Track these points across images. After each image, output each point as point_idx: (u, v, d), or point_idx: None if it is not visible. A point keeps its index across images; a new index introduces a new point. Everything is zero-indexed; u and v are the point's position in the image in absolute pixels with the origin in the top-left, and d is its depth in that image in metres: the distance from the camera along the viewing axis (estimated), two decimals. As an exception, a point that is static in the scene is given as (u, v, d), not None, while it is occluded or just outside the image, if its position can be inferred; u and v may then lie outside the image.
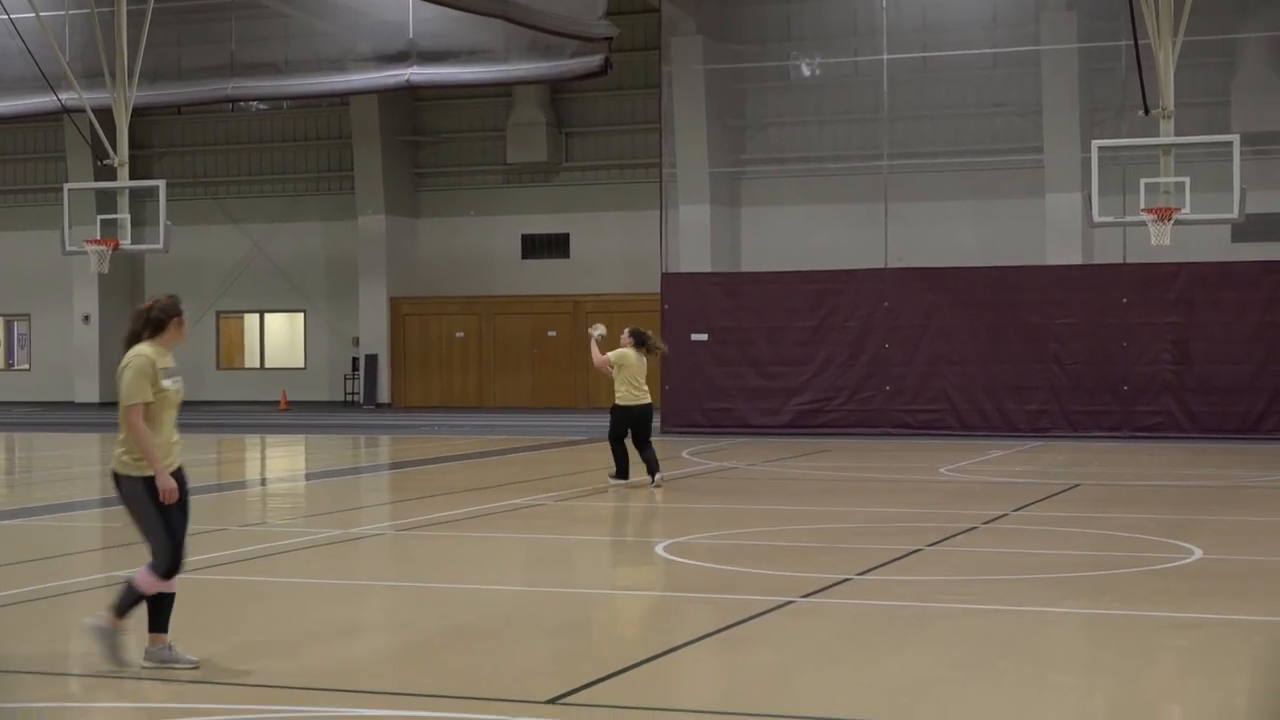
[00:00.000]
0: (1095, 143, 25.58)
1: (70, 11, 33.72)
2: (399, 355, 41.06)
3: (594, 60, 34.21)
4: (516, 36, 34.50)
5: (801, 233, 36.06)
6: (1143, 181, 24.87)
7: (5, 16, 31.14)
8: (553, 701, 8.32)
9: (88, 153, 36.89)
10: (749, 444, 27.37)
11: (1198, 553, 13.65)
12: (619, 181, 39.74)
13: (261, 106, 42.50)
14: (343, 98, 40.32)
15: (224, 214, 43.02)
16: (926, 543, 14.41)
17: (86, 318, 43.23)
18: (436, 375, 40.88)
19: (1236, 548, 14.34)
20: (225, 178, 43.71)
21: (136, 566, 9.27)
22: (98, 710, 8.49)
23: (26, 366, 45.89)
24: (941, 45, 34.78)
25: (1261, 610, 11.04)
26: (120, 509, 9.24)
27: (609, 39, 33.35)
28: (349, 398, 41.86)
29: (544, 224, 40.65)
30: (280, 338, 43.96)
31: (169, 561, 9.07)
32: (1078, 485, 19.95)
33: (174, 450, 9.21)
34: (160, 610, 9.20)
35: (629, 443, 19.73)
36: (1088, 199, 25.04)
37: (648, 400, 19.77)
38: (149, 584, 9.08)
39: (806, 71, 36.71)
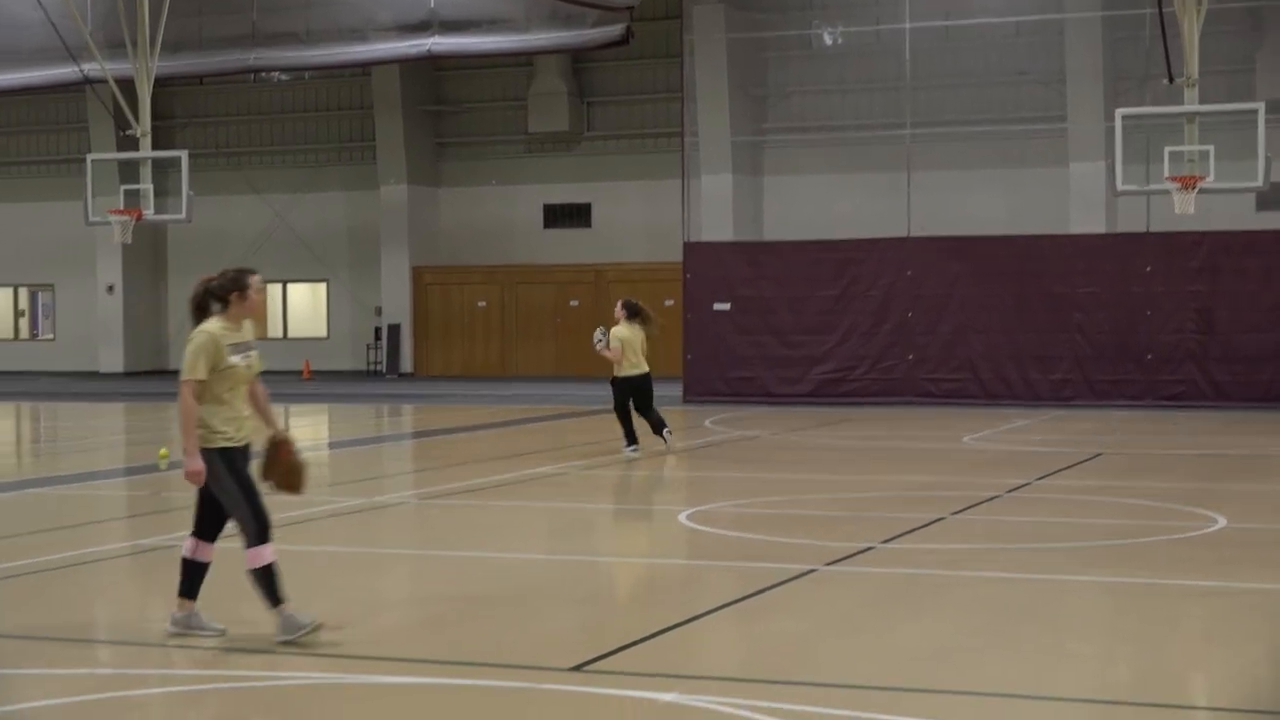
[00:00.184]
0: (1119, 111, 25.48)
1: (92, -18, 33.71)
2: (421, 325, 41.11)
3: (615, 29, 34.15)
4: (538, 5, 34.46)
5: (824, 202, 35.97)
6: (1167, 150, 24.77)
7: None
8: (576, 669, 8.35)
9: (110, 123, 36.93)
10: (771, 413, 27.36)
11: (1222, 521, 13.62)
12: (640, 151, 39.66)
13: (283, 76, 42.50)
14: (364, 67, 40.31)
15: (246, 184, 43.06)
16: (949, 511, 14.41)
17: (110, 288, 43.34)
18: (459, 345, 40.93)
19: (1261, 516, 14.30)
20: (247, 148, 43.75)
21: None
22: (120, 677, 8.53)
23: (51, 337, 46.05)
24: (964, 13, 34.61)
25: (1285, 578, 11.03)
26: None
27: (630, 8, 33.29)
28: (372, 367, 41.92)
29: (566, 193, 40.61)
30: (303, 308, 44.03)
31: (255, 529, 8.95)
32: (1101, 454, 19.91)
33: (244, 425, 9.12)
34: (193, 577, 9.19)
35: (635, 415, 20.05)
36: (1111, 168, 24.98)
37: (646, 369, 20.12)
38: (259, 557, 8.95)
39: (829, 40, 36.59)
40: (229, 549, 9.40)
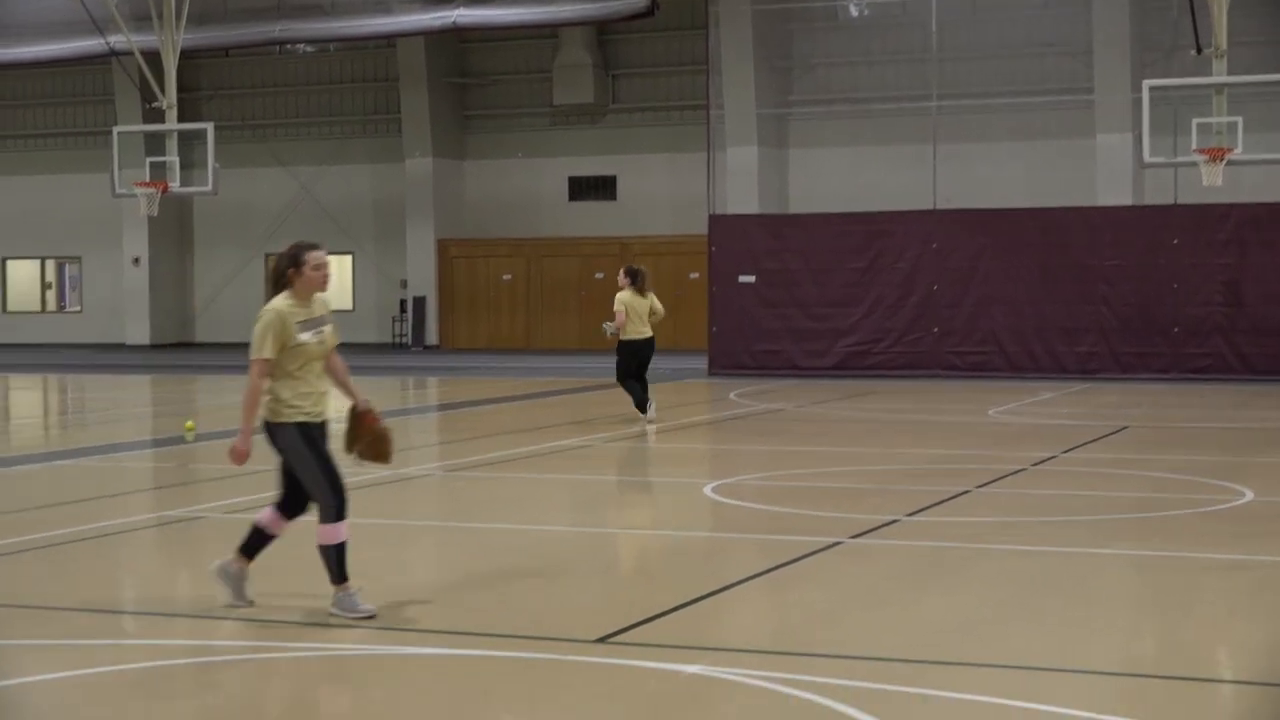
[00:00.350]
0: (1146, 82, 25.38)
1: (118, -46, 33.74)
2: (447, 297, 41.15)
3: (640, 1, 34.08)
4: (563, -23, 34.38)
5: (849, 174, 35.90)
6: (1194, 122, 24.67)
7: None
8: (602, 640, 8.37)
9: (136, 96, 37.02)
10: (796, 386, 27.35)
11: (1249, 495, 13.59)
12: (666, 123, 39.60)
13: (309, 49, 42.49)
14: (389, 39, 40.29)
15: (271, 156, 43.11)
16: (975, 484, 14.40)
17: (136, 260, 43.45)
18: (484, 317, 40.96)
19: (1287, 490, 14.26)
20: (273, 120, 43.78)
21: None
22: (142, 648, 8.57)
23: (78, 309, 46.20)
24: (991, -16, 34.48)
25: (1311, 552, 11.00)
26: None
27: (656, -20, 33.18)
28: (397, 340, 42.00)
29: (591, 166, 40.57)
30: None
31: (332, 507, 8.93)
32: (1127, 427, 19.87)
33: (321, 400, 9.06)
34: (257, 542, 9.17)
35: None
36: (1138, 139, 24.90)
37: (650, 334, 20.53)
38: (332, 534, 8.93)
39: (854, 12, 36.48)
40: (239, 520, 9.43)
